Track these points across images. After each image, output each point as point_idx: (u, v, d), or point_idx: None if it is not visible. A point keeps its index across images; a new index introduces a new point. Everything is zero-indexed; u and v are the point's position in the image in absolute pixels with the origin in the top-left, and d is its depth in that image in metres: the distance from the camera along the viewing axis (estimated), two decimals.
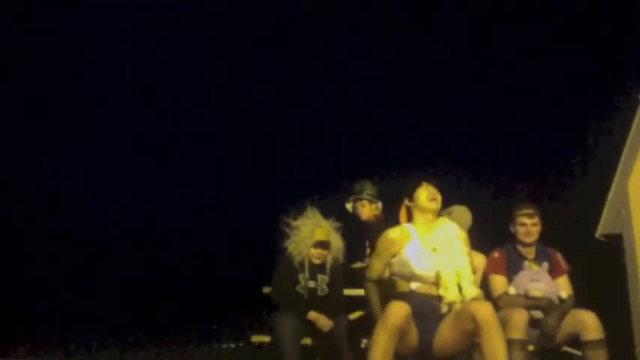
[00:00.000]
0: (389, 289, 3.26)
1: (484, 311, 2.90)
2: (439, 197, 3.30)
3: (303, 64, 19.62)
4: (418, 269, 3.13)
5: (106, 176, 17.53)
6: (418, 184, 3.31)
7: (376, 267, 3.34)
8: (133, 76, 19.30)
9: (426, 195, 3.27)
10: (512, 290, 3.88)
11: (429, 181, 3.34)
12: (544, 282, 3.89)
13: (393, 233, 3.25)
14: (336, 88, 19.32)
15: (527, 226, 4.00)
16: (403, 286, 3.17)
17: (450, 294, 3.07)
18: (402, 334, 2.91)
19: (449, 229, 3.27)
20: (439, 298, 3.10)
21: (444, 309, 3.07)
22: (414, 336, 3.03)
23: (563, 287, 3.97)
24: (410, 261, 3.15)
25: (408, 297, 3.08)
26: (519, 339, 3.58)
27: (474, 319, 2.89)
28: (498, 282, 3.95)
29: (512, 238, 4.10)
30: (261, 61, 20.32)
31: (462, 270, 3.13)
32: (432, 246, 3.18)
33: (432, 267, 3.13)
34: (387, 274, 3.34)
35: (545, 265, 3.97)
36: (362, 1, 18.90)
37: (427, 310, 3.08)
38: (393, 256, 3.22)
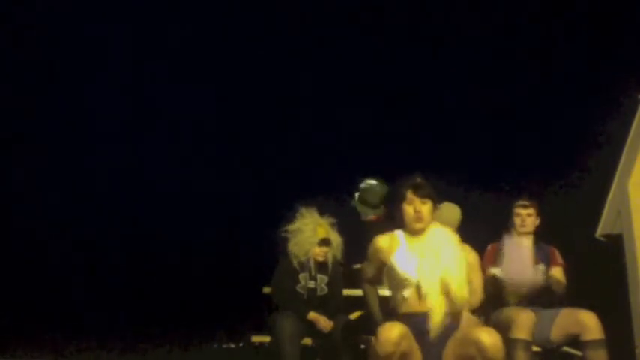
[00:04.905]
0: (390, 310, 3.13)
1: (489, 340, 2.75)
2: (424, 213, 3.11)
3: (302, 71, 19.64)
4: (404, 274, 3.02)
5: (103, 173, 17.53)
6: (404, 197, 3.13)
7: (368, 271, 3.37)
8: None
9: (411, 212, 3.11)
10: (496, 271, 3.93)
11: (415, 190, 3.13)
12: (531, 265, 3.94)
13: (381, 241, 3.19)
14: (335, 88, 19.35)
15: (522, 216, 4.16)
16: (401, 306, 3.04)
17: (432, 303, 2.93)
18: (401, 357, 2.77)
19: (439, 234, 3.14)
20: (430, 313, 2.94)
21: (434, 330, 2.90)
22: (417, 357, 2.88)
23: (556, 276, 4.02)
24: (396, 268, 3.06)
25: (406, 317, 2.95)
26: (524, 339, 3.60)
27: (477, 347, 2.76)
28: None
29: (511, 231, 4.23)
30: (260, 63, 20.33)
31: (450, 275, 2.99)
32: (419, 252, 3.07)
33: (417, 273, 3.01)
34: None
35: (542, 266, 4.04)
36: (362, 3, 18.91)
37: (426, 328, 2.93)
38: (383, 262, 3.16)
